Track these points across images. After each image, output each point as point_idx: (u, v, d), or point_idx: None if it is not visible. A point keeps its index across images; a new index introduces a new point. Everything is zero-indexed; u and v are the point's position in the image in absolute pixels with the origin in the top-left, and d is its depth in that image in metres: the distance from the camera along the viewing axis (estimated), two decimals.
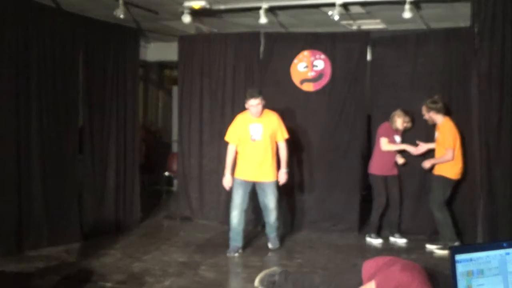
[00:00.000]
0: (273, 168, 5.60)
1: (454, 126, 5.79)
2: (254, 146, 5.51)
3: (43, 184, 5.55)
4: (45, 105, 5.57)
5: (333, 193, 6.77)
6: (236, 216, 5.57)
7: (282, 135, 5.64)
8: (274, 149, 5.62)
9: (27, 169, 5.41)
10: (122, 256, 5.41)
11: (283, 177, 5.63)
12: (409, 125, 6.17)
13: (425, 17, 6.71)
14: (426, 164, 5.90)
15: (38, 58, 5.49)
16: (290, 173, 6.91)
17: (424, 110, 5.90)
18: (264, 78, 7.00)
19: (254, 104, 5.43)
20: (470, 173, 5.81)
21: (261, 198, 5.69)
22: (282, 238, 6.14)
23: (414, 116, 6.23)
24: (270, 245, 5.84)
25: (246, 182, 5.57)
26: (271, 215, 5.68)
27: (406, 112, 6.12)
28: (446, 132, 5.75)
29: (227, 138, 5.65)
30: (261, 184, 5.61)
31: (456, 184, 5.92)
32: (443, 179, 5.79)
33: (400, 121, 6.08)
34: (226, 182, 5.58)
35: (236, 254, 5.56)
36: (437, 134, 5.89)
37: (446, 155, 5.73)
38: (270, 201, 5.62)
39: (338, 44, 6.75)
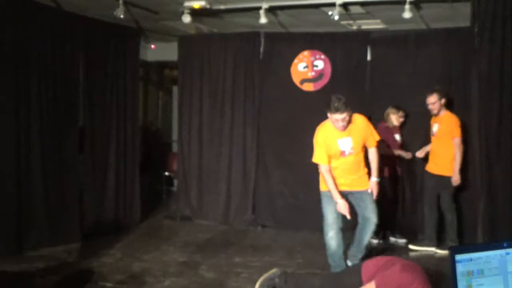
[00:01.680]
0: (367, 176, 4.76)
1: (459, 120, 5.68)
2: (345, 161, 4.63)
3: (43, 184, 5.56)
4: (45, 105, 5.57)
5: None
6: (334, 237, 4.67)
7: (374, 139, 4.73)
8: (364, 156, 4.78)
9: (27, 169, 5.41)
10: (122, 256, 5.41)
11: (375, 188, 4.69)
12: (403, 119, 6.14)
13: (425, 17, 6.71)
14: (455, 178, 5.60)
15: (38, 58, 5.49)
16: (291, 172, 6.97)
17: (435, 97, 5.66)
18: (264, 78, 7.01)
19: (339, 118, 4.41)
20: (470, 173, 5.80)
21: (359, 210, 4.74)
22: (282, 238, 6.14)
23: (414, 116, 6.23)
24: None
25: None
26: (369, 232, 4.70)
27: (398, 107, 6.10)
28: (453, 122, 5.63)
29: (318, 160, 4.64)
30: (356, 193, 4.70)
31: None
32: (447, 179, 5.71)
33: (394, 118, 6.07)
34: (343, 208, 4.50)
35: None
36: (437, 127, 5.75)
37: (457, 148, 5.55)
38: (371, 212, 4.64)
39: (338, 44, 6.75)
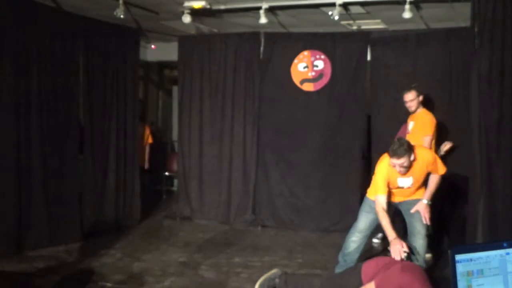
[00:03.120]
0: (423, 190, 4.51)
1: (434, 119, 5.58)
2: (402, 190, 4.45)
3: (43, 184, 5.56)
4: (45, 105, 5.57)
5: (333, 193, 6.77)
6: (356, 242, 4.49)
7: (438, 172, 4.42)
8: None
9: (27, 169, 5.41)
10: (122, 256, 5.41)
11: (421, 208, 4.35)
12: None
13: (425, 17, 6.71)
14: None
15: (38, 58, 5.50)
16: (291, 171, 6.97)
17: (413, 94, 5.57)
18: (264, 78, 7.01)
19: (397, 163, 4.10)
20: (470, 173, 5.79)
21: (406, 218, 4.52)
22: (282, 238, 6.10)
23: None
24: None
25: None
26: (418, 241, 4.35)
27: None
28: (427, 120, 5.52)
29: (379, 192, 4.25)
30: (406, 202, 4.49)
31: (456, 184, 5.89)
32: None
33: None
34: (397, 250, 3.78)
35: None
36: (412, 125, 5.63)
37: (427, 147, 5.34)
38: (417, 220, 4.35)
39: (338, 44, 6.75)
